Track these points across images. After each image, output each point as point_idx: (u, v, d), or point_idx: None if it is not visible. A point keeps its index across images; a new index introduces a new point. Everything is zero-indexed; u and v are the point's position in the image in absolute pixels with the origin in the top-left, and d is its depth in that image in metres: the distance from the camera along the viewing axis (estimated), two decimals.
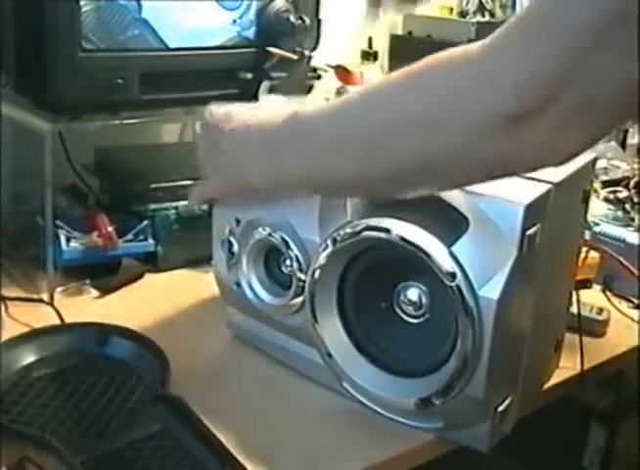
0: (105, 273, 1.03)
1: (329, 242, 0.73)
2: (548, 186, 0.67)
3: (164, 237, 1.09)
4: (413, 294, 0.73)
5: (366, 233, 0.70)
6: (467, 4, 1.60)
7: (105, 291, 1.02)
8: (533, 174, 0.68)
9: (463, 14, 1.60)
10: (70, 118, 0.98)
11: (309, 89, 1.15)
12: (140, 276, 1.07)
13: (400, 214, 0.69)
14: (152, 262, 1.09)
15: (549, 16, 0.46)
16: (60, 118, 0.97)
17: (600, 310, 0.97)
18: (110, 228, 1.03)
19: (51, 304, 0.97)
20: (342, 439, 0.74)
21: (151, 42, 0.98)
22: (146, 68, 0.98)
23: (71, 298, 1.00)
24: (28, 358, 0.81)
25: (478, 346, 0.65)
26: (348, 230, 0.71)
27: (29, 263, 1.05)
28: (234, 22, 1.06)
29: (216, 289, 0.92)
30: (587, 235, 1.09)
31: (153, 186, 1.12)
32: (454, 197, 0.66)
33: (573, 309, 0.88)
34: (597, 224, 1.14)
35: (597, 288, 1.08)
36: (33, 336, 0.84)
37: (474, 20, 1.56)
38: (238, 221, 0.84)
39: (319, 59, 1.16)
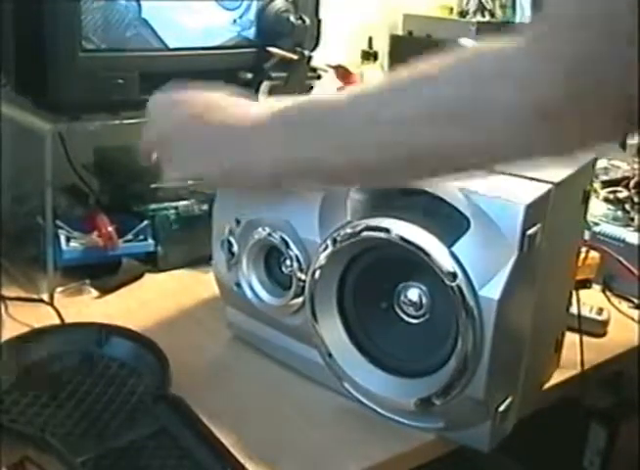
0: (105, 273, 1.03)
1: (329, 242, 0.73)
2: (548, 186, 0.67)
3: (164, 237, 1.09)
4: (413, 294, 0.73)
5: (366, 233, 0.70)
6: (467, 4, 1.60)
7: (105, 291, 1.02)
8: (533, 174, 0.68)
9: (463, 14, 1.60)
10: (70, 118, 0.98)
11: (309, 89, 1.15)
12: (140, 276, 1.07)
13: (400, 215, 0.69)
14: (152, 262, 1.09)
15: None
16: (60, 118, 0.97)
17: (600, 310, 0.97)
18: (110, 228, 1.03)
19: (51, 304, 0.97)
20: (342, 439, 0.74)
21: (151, 42, 0.98)
22: (146, 68, 0.98)
23: (71, 298, 1.00)
24: (28, 358, 0.81)
25: (478, 346, 0.65)
26: (348, 230, 0.71)
27: (29, 263, 1.05)
28: (234, 22, 1.06)
29: (216, 289, 0.92)
30: (587, 235, 1.09)
31: (153, 186, 1.12)
32: (454, 197, 0.66)
33: (573, 309, 0.87)
34: (597, 224, 1.14)
35: (597, 288, 1.08)
36: (33, 336, 0.84)
37: (474, 20, 1.56)
38: (238, 221, 0.84)
39: (319, 59, 1.16)
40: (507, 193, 0.65)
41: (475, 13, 1.60)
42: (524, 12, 1.58)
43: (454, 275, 0.65)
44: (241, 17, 1.06)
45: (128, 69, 0.96)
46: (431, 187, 0.68)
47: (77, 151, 1.17)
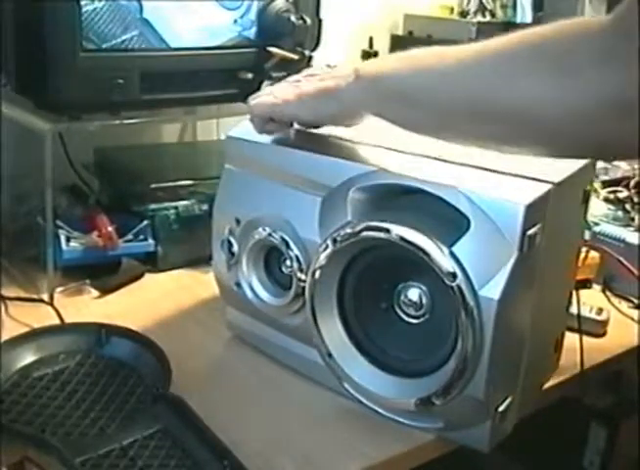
0: (105, 273, 1.03)
1: (329, 242, 0.73)
2: (548, 186, 0.67)
3: (164, 237, 1.09)
4: (413, 294, 0.73)
5: (366, 233, 0.70)
6: (467, 4, 1.60)
7: (105, 291, 1.02)
8: (533, 174, 0.68)
9: (464, 14, 1.60)
10: (70, 118, 0.98)
11: None
12: (140, 276, 1.07)
13: (401, 215, 0.69)
14: (152, 262, 1.09)
15: None
16: (60, 119, 0.97)
17: (600, 310, 0.97)
18: (110, 228, 1.03)
19: (51, 304, 0.97)
20: (343, 439, 0.74)
21: (151, 42, 0.98)
22: (146, 67, 0.98)
23: (71, 298, 1.00)
24: (28, 358, 0.81)
25: (478, 346, 0.65)
26: (348, 230, 0.71)
27: (29, 263, 1.05)
28: (235, 21, 1.06)
29: (216, 289, 0.92)
30: (587, 235, 1.09)
31: (153, 186, 1.12)
32: (454, 197, 0.66)
33: (573, 309, 0.87)
34: (597, 224, 1.13)
35: (597, 288, 1.08)
36: (33, 336, 0.84)
37: (474, 20, 1.56)
38: (238, 221, 0.84)
39: (320, 59, 1.16)
40: (507, 193, 0.65)
41: (475, 13, 1.60)
42: (524, 12, 1.58)
43: (454, 275, 0.65)
44: (241, 17, 1.06)
45: (128, 69, 0.96)
46: (431, 187, 0.68)
47: (77, 151, 1.17)
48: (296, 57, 1.08)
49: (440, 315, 0.71)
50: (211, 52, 1.05)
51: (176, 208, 1.11)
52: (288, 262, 0.80)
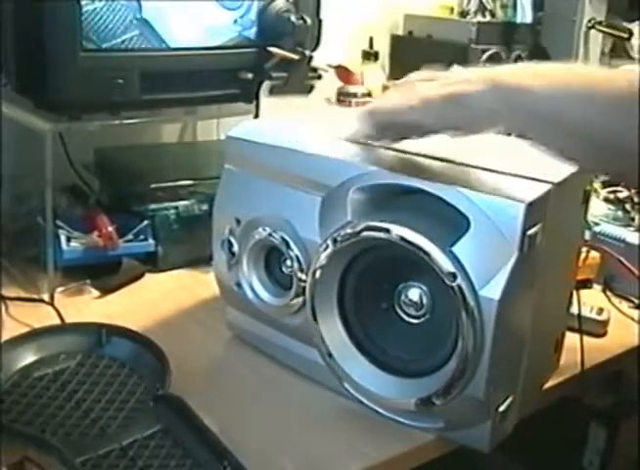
0: (105, 273, 1.03)
1: (329, 242, 0.73)
2: (548, 186, 0.67)
3: (164, 237, 1.09)
4: (414, 294, 0.73)
5: (366, 233, 0.70)
6: (467, 4, 1.60)
7: (105, 291, 1.02)
8: (533, 174, 0.68)
9: (464, 14, 1.60)
10: (70, 118, 0.98)
11: (310, 89, 1.15)
12: (140, 276, 1.07)
13: (401, 215, 0.69)
14: (152, 262, 1.09)
15: None
16: (60, 118, 0.97)
17: (600, 310, 0.97)
18: (110, 228, 1.03)
19: (51, 304, 0.97)
20: (343, 439, 0.74)
21: (151, 42, 0.98)
22: (146, 67, 0.98)
23: (71, 298, 1.00)
24: (28, 358, 0.81)
25: (478, 346, 0.65)
26: (349, 230, 0.71)
27: (29, 263, 1.05)
28: (235, 21, 1.06)
29: (216, 289, 0.92)
30: (587, 235, 1.09)
31: (153, 186, 1.12)
32: (454, 197, 0.66)
33: (574, 309, 0.87)
34: (597, 224, 1.13)
35: (597, 288, 1.08)
36: (33, 336, 0.84)
37: (474, 20, 1.56)
38: (238, 221, 0.84)
39: (320, 59, 1.16)
40: (507, 193, 0.65)
41: (475, 13, 1.60)
42: (524, 12, 1.58)
43: (454, 275, 0.65)
44: (242, 17, 1.06)
45: (128, 69, 0.96)
46: (431, 187, 0.68)
47: (77, 151, 1.17)
48: (296, 57, 1.08)
49: (441, 315, 0.71)
50: (211, 52, 1.05)
51: (176, 208, 1.11)
52: (288, 262, 0.80)
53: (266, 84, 1.07)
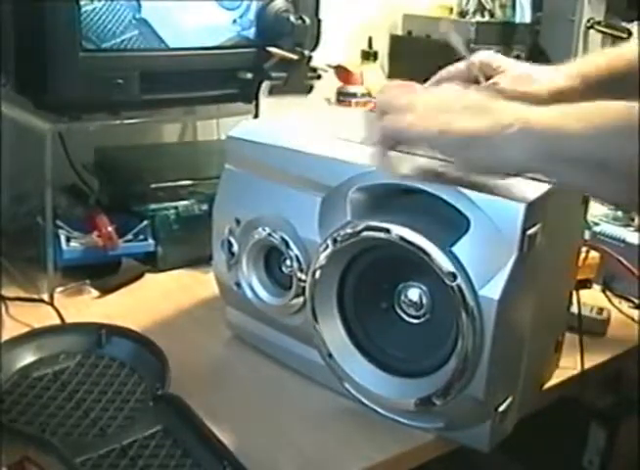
0: (105, 273, 1.03)
1: (329, 242, 0.73)
2: (548, 186, 0.67)
3: (164, 237, 1.09)
4: (414, 294, 0.73)
5: (366, 233, 0.70)
6: (467, 4, 1.60)
7: (105, 291, 1.02)
8: (533, 174, 0.68)
9: (463, 14, 1.60)
10: (70, 118, 0.98)
11: (309, 89, 1.15)
12: (140, 276, 1.07)
13: (401, 214, 0.69)
14: (152, 262, 1.09)
15: None
16: (60, 118, 0.97)
17: (600, 310, 0.97)
18: (110, 228, 1.03)
19: (51, 304, 0.97)
20: (342, 439, 0.74)
21: (151, 42, 0.98)
22: (146, 68, 0.98)
23: (71, 298, 1.00)
24: (29, 358, 0.81)
25: (478, 346, 0.65)
26: (348, 230, 0.71)
27: (29, 263, 1.05)
28: (234, 21, 1.06)
29: (216, 289, 0.92)
30: (587, 235, 1.09)
31: (153, 186, 1.12)
32: (454, 197, 0.66)
33: (574, 309, 0.87)
34: (597, 224, 1.13)
35: (597, 288, 1.08)
36: (33, 336, 0.84)
37: (473, 20, 1.56)
38: (238, 221, 0.84)
39: (319, 59, 1.16)
40: (507, 193, 0.65)
41: (474, 13, 1.60)
42: (523, 12, 1.58)
43: (454, 275, 0.65)
44: (241, 17, 1.06)
45: (128, 69, 0.96)
46: (431, 187, 0.68)
47: (77, 151, 1.17)
48: (295, 57, 1.08)
49: (441, 315, 0.71)
50: (211, 52, 1.05)
51: (176, 208, 1.11)
52: (288, 262, 0.80)
53: (266, 84, 1.07)
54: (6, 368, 0.78)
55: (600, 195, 0.63)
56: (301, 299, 0.79)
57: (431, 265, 0.66)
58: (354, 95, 1.40)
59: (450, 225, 0.66)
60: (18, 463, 0.66)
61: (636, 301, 1.04)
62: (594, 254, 1.04)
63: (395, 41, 1.64)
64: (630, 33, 1.55)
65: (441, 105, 0.66)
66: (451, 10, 1.63)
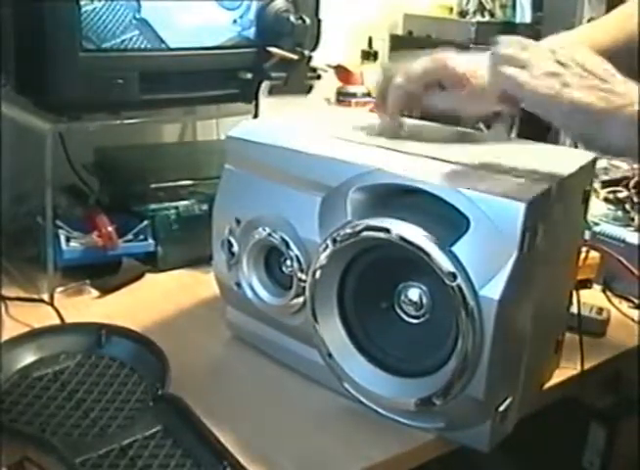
0: (105, 273, 1.03)
1: (329, 242, 0.73)
2: (548, 186, 0.67)
3: (164, 237, 1.09)
4: (414, 294, 0.73)
5: (366, 233, 0.70)
6: (467, 4, 1.60)
7: (105, 291, 1.02)
8: (533, 174, 0.68)
9: (463, 14, 1.60)
10: (70, 118, 0.98)
11: (309, 89, 1.15)
12: (140, 276, 1.07)
13: (401, 215, 0.69)
14: (152, 262, 1.09)
15: None
16: (60, 119, 0.97)
17: (600, 310, 0.97)
18: (110, 228, 1.03)
19: (51, 304, 0.97)
20: (342, 439, 0.74)
21: (150, 42, 0.98)
22: (146, 68, 0.98)
23: (71, 298, 1.00)
24: (28, 358, 0.81)
25: (478, 346, 0.65)
26: (348, 230, 0.71)
27: (29, 263, 1.05)
28: (234, 21, 1.06)
29: (216, 289, 0.92)
30: (587, 235, 1.09)
31: (153, 186, 1.12)
32: (454, 197, 0.66)
33: (574, 309, 0.87)
34: (597, 224, 1.13)
35: (597, 288, 1.08)
36: (33, 336, 0.84)
37: (474, 20, 1.57)
38: (238, 221, 0.84)
39: (319, 59, 1.16)
40: (507, 193, 0.65)
41: (475, 13, 1.60)
42: (524, 12, 1.58)
43: (454, 275, 0.65)
44: (241, 17, 1.06)
45: (128, 69, 0.96)
46: (431, 187, 0.68)
47: (77, 151, 1.17)
48: (295, 57, 1.08)
49: (441, 315, 0.71)
50: (211, 52, 1.05)
51: (176, 208, 1.11)
52: (288, 262, 0.80)
53: (266, 84, 1.07)
54: (6, 368, 0.78)
55: None
56: (301, 299, 0.79)
57: (431, 265, 0.66)
58: (354, 95, 1.40)
59: (450, 225, 0.66)
60: (18, 463, 0.66)
61: (636, 301, 1.04)
62: (594, 254, 1.04)
63: (396, 41, 1.64)
64: None
65: (558, 66, 0.64)
66: (451, 10, 1.63)
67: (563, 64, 0.65)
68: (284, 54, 1.07)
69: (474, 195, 0.65)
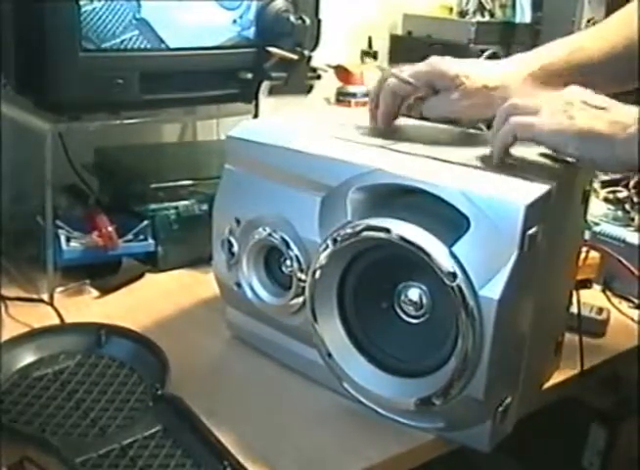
0: (105, 273, 1.03)
1: (329, 242, 0.73)
2: (548, 186, 0.67)
3: (164, 237, 1.09)
4: (414, 294, 0.73)
5: (366, 233, 0.70)
6: (467, 4, 1.60)
7: (105, 291, 1.02)
8: (533, 174, 0.68)
9: (463, 14, 1.60)
10: (70, 118, 0.98)
11: (309, 89, 1.15)
12: (140, 276, 1.07)
13: (401, 215, 0.69)
14: (152, 262, 1.09)
15: None
16: (60, 118, 0.97)
17: (600, 310, 0.97)
18: (110, 228, 1.03)
19: (51, 304, 0.97)
20: (342, 439, 0.74)
21: (150, 42, 0.98)
22: (146, 68, 0.98)
23: (71, 298, 1.00)
24: (28, 358, 0.81)
25: (478, 346, 0.65)
26: (348, 230, 0.71)
27: (29, 263, 1.05)
28: (234, 21, 1.06)
29: (216, 289, 0.92)
30: (587, 235, 1.09)
31: (153, 186, 1.12)
32: (454, 197, 0.66)
33: (573, 309, 0.87)
34: (597, 224, 1.13)
35: (597, 288, 1.08)
36: (33, 336, 0.84)
37: (473, 20, 1.56)
38: (238, 221, 0.84)
39: (319, 59, 1.16)
40: (507, 193, 0.65)
41: (474, 13, 1.60)
42: (523, 12, 1.58)
43: (454, 275, 0.65)
44: (241, 17, 1.06)
45: (128, 69, 0.96)
46: (431, 187, 0.68)
47: (77, 151, 1.17)
48: (295, 57, 1.08)
49: (441, 315, 0.71)
50: (211, 52, 1.05)
51: (176, 208, 1.11)
52: (288, 262, 0.80)
53: (266, 84, 1.07)
54: (6, 368, 0.78)
55: None
56: (301, 299, 0.79)
57: (431, 265, 0.66)
58: (354, 95, 1.40)
59: (450, 225, 0.66)
60: (17, 463, 0.66)
61: (636, 301, 1.04)
62: (594, 254, 1.04)
63: (396, 41, 1.64)
64: None
65: (565, 105, 0.70)
66: (451, 10, 1.63)
67: (568, 102, 0.70)
68: (284, 54, 1.07)
69: (474, 195, 0.65)
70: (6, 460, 0.66)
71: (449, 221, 0.67)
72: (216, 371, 0.86)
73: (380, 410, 0.76)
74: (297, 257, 0.78)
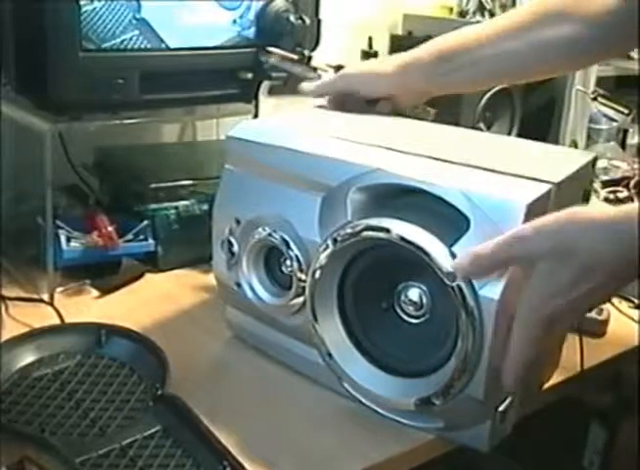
0: (105, 273, 1.03)
1: (329, 242, 0.73)
2: (548, 186, 0.67)
3: (164, 237, 1.09)
4: (414, 294, 0.73)
5: (366, 233, 0.70)
6: (467, 4, 1.61)
7: (105, 291, 1.02)
8: (533, 174, 0.68)
9: (463, 14, 1.61)
10: (70, 118, 0.98)
11: None
12: (140, 276, 1.07)
13: (401, 215, 0.69)
14: (152, 262, 1.09)
15: None
16: (60, 118, 0.97)
17: (600, 310, 0.97)
18: (110, 228, 1.03)
19: (51, 304, 0.97)
20: (342, 439, 0.74)
21: (150, 42, 0.98)
22: (146, 68, 0.98)
23: (71, 298, 1.00)
24: (28, 358, 0.81)
25: (478, 346, 0.65)
26: (349, 230, 0.71)
27: (29, 263, 1.05)
28: (234, 21, 1.06)
29: (216, 289, 0.92)
30: None
31: (153, 186, 1.12)
32: (454, 197, 0.66)
33: None
34: None
35: None
36: (33, 336, 0.84)
37: (474, 20, 1.56)
38: (238, 221, 0.84)
39: (319, 59, 1.16)
40: (507, 193, 0.65)
41: (474, 13, 1.60)
42: None
43: (454, 275, 0.65)
44: (241, 17, 1.06)
45: (128, 69, 0.96)
46: (431, 187, 0.68)
47: (77, 151, 1.17)
48: (295, 57, 1.08)
49: (441, 315, 0.71)
50: (211, 52, 1.05)
51: (176, 208, 1.11)
52: (288, 262, 0.80)
53: (266, 84, 1.07)
54: (6, 368, 0.78)
55: None
56: (301, 299, 0.79)
57: (431, 265, 0.66)
58: None
59: (450, 225, 0.66)
60: (17, 463, 0.66)
61: (636, 301, 1.04)
62: None
63: (396, 41, 1.64)
64: None
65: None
66: (451, 10, 1.63)
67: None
68: (284, 54, 1.07)
69: (474, 195, 0.65)
70: (6, 460, 0.66)
71: (449, 221, 0.67)
72: (216, 371, 0.86)
73: (380, 410, 0.76)
74: (297, 257, 0.78)
